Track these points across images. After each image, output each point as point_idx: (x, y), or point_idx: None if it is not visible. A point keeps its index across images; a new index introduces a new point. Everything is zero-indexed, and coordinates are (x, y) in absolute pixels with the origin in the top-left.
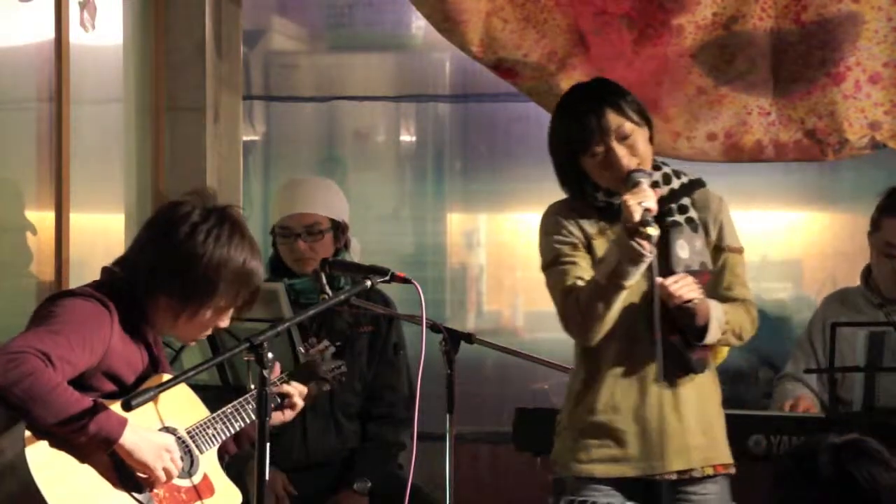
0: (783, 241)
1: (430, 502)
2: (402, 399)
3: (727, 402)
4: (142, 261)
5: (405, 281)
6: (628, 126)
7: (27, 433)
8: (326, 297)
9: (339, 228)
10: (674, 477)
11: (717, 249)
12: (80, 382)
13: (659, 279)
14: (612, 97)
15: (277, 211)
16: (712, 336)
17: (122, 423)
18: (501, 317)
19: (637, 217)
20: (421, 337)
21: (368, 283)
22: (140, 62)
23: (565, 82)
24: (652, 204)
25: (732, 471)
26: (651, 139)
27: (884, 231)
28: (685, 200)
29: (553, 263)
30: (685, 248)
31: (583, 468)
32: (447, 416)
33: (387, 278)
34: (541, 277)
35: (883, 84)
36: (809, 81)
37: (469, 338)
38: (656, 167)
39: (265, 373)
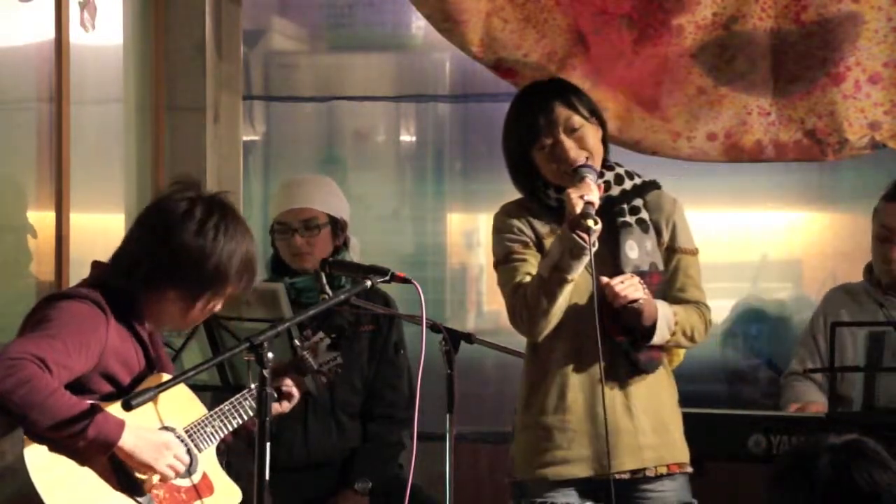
0: (783, 241)
1: (430, 502)
2: (403, 398)
3: (727, 402)
4: (144, 255)
5: (405, 281)
6: (577, 119)
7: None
8: (327, 296)
9: (337, 225)
10: (626, 476)
11: (670, 251)
12: (78, 385)
13: (604, 279)
14: (561, 92)
15: (275, 208)
16: (659, 336)
17: (121, 425)
18: (501, 317)
19: (578, 210)
20: (421, 337)
21: (368, 283)
22: (140, 62)
23: None
24: (594, 198)
25: (689, 469)
26: (604, 140)
27: (880, 215)
28: (637, 202)
29: (504, 261)
30: (634, 249)
31: (538, 471)
32: (447, 416)
33: (387, 278)
34: None
35: (883, 84)
36: (809, 81)
37: (469, 338)
38: (609, 167)
39: (265, 373)
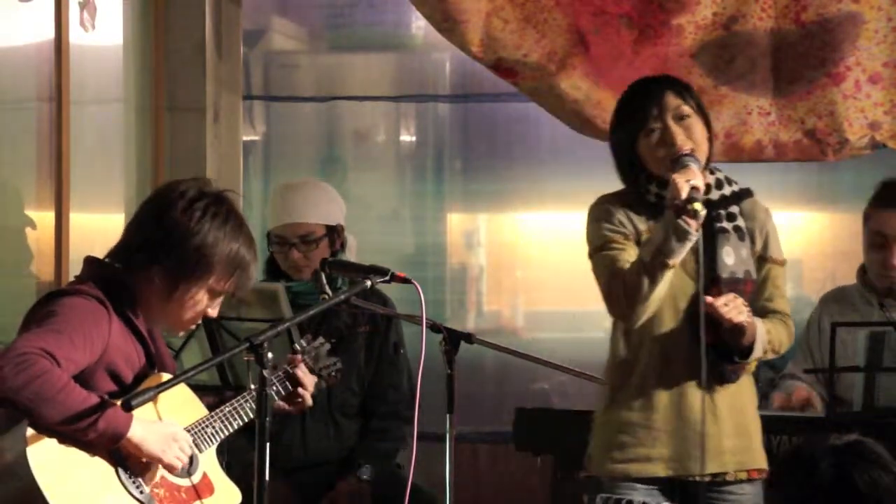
0: (783, 241)
1: (430, 502)
2: (405, 398)
3: None
4: (137, 236)
5: (405, 281)
6: (686, 108)
7: (28, 433)
8: (326, 296)
9: (334, 232)
10: (707, 479)
11: (762, 259)
12: (81, 381)
13: (709, 299)
14: (673, 83)
15: (272, 218)
16: (755, 356)
17: (130, 416)
18: (501, 317)
19: (684, 194)
20: (421, 337)
21: (368, 283)
22: (140, 62)
23: (565, 82)
24: (700, 183)
25: (765, 475)
26: (710, 140)
27: (872, 221)
28: (734, 208)
29: (601, 249)
30: (731, 255)
31: (617, 467)
32: (447, 416)
33: (387, 278)
34: (541, 277)
35: (883, 84)
36: (809, 81)
37: (469, 338)
38: (710, 171)
39: (265, 373)
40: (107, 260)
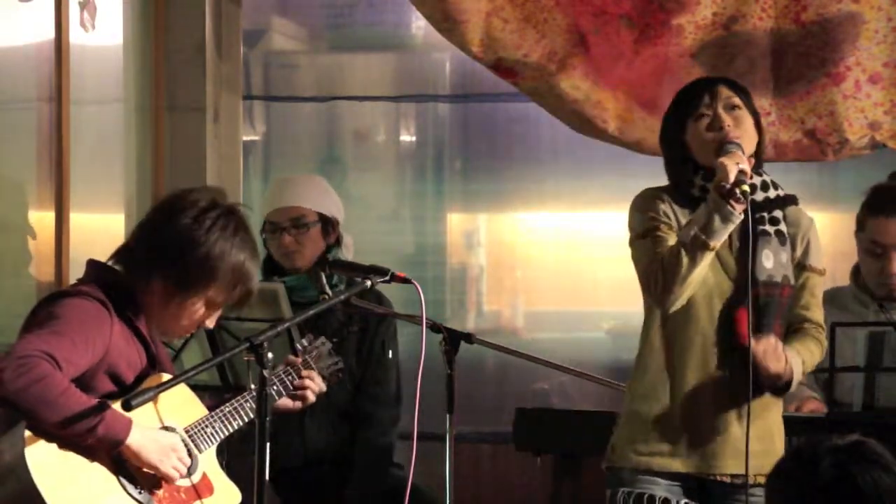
0: None
1: (430, 502)
2: (389, 396)
3: None
4: (144, 241)
5: (405, 281)
6: (737, 100)
7: (27, 434)
8: (326, 297)
9: (328, 223)
10: (727, 479)
11: (800, 267)
12: (82, 383)
13: (753, 343)
14: (729, 80)
15: (265, 207)
16: (791, 391)
17: (129, 423)
18: (501, 317)
19: (732, 177)
20: (421, 337)
21: (368, 283)
22: (140, 62)
23: (565, 82)
24: (746, 168)
25: None
26: (760, 141)
27: (868, 230)
28: (777, 213)
29: (644, 235)
30: (770, 259)
31: (640, 459)
32: (447, 416)
33: (387, 278)
34: (541, 277)
35: (883, 84)
36: (809, 81)
37: (469, 338)
38: (758, 172)
39: (265, 373)
40: (110, 262)
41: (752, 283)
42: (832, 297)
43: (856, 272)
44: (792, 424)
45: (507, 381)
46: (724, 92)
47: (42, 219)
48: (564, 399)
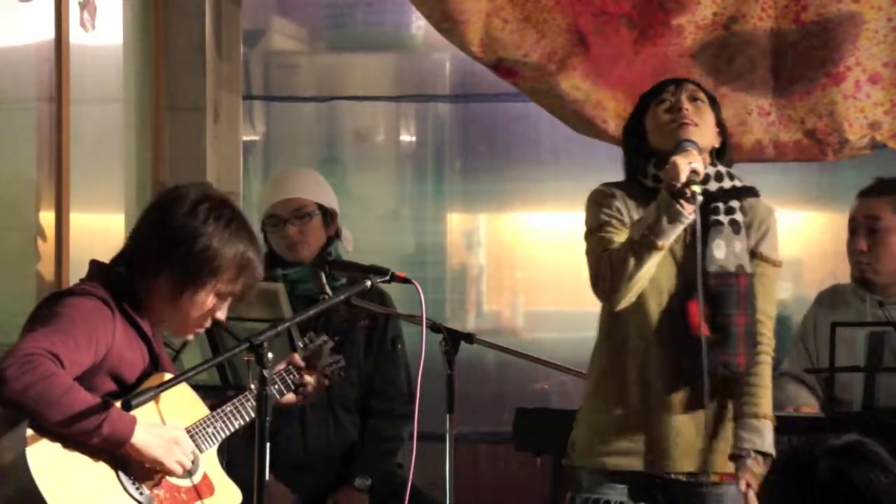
0: (783, 241)
1: (430, 502)
2: (401, 393)
3: None
4: (142, 242)
5: (405, 281)
6: (702, 95)
7: (28, 433)
8: (327, 296)
9: (328, 214)
10: (682, 478)
11: (752, 255)
12: (83, 382)
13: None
14: (698, 84)
15: (265, 201)
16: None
17: (133, 421)
18: (501, 317)
19: (683, 177)
20: (421, 337)
21: (369, 283)
22: (140, 62)
23: (565, 82)
24: (700, 167)
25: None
26: (721, 135)
27: (852, 209)
28: (734, 203)
29: (596, 230)
30: (721, 248)
31: (597, 460)
32: (447, 416)
33: (387, 278)
34: (541, 277)
35: (883, 84)
36: (809, 81)
37: (469, 338)
38: (712, 164)
39: (265, 373)
40: (116, 257)
41: (703, 276)
42: (830, 296)
43: None
44: (791, 424)
45: (507, 381)
46: (690, 86)
47: (42, 219)
48: (564, 399)
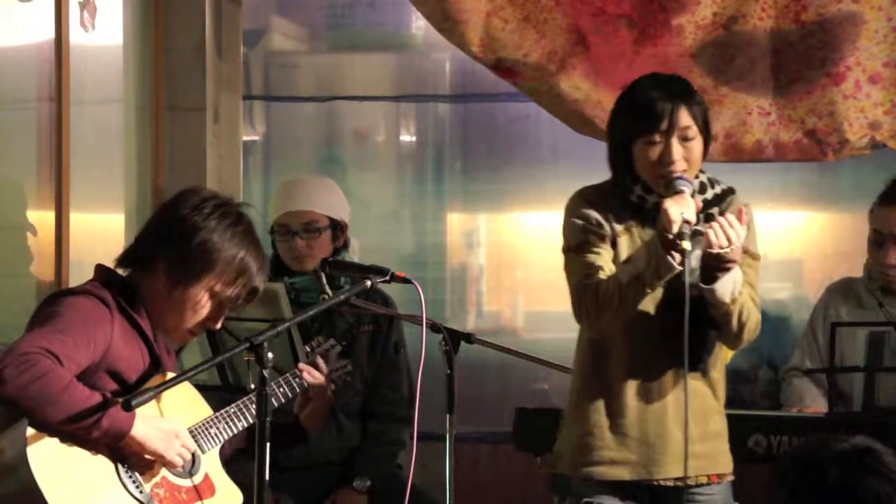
0: (783, 241)
1: (430, 502)
2: (403, 398)
3: (727, 402)
4: (146, 233)
5: (405, 281)
6: (693, 130)
7: (28, 432)
8: (326, 297)
9: (337, 227)
10: (670, 484)
11: None
12: (83, 381)
13: (719, 220)
14: (689, 97)
15: (276, 209)
16: (721, 289)
17: (132, 414)
18: (501, 317)
19: (675, 229)
20: (421, 337)
21: (368, 283)
22: (140, 62)
23: (565, 82)
24: (691, 216)
25: (731, 477)
26: (705, 153)
27: (872, 218)
28: (714, 210)
29: (576, 249)
30: (697, 258)
31: (582, 469)
32: (447, 416)
33: (387, 278)
34: (541, 277)
35: (883, 84)
36: (809, 81)
37: (469, 338)
38: (695, 176)
39: (265, 373)
40: (117, 262)
41: (677, 282)
42: (846, 288)
43: (868, 263)
44: (792, 424)
45: (507, 381)
46: (684, 120)
47: (42, 219)
48: (564, 399)
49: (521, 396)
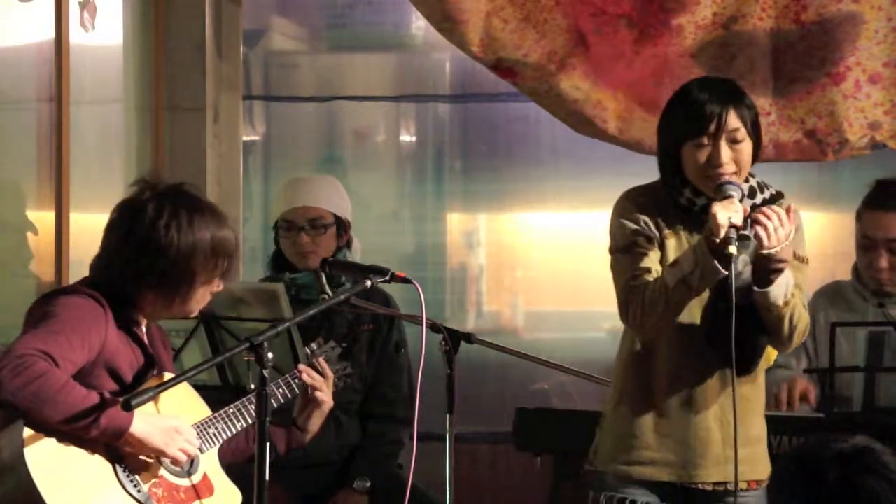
0: None
1: (430, 502)
2: (403, 398)
3: None
4: (115, 262)
5: (405, 281)
6: (742, 132)
7: (26, 432)
8: (326, 296)
9: (342, 225)
10: (709, 488)
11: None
12: (81, 380)
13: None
14: (738, 99)
15: (281, 205)
16: (776, 290)
17: (131, 412)
18: (501, 317)
19: (723, 234)
20: (421, 337)
21: (368, 282)
22: (140, 62)
23: (565, 82)
24: (738, 220)
25: (767, 482)
26: (755, 156)
27: (861, 224)
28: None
29: (624, 250)
30: (749, 265)
31: (620, 468)
32: (447, 416)
33: (387, 278)
34: (541, 277)
35: (883, 84)
36: (809, 81)
37: (469, 338)
38: (745, 179)
39: (265, 373)
40: (94, 270)
41: (724, 286)
42: (834, 291)
43: (856, 266)
44: (792, 424)
45: (507, 381)
46: (733, 122)
47: (42, 219)
48: (564, 399)
49: (521, 396)
